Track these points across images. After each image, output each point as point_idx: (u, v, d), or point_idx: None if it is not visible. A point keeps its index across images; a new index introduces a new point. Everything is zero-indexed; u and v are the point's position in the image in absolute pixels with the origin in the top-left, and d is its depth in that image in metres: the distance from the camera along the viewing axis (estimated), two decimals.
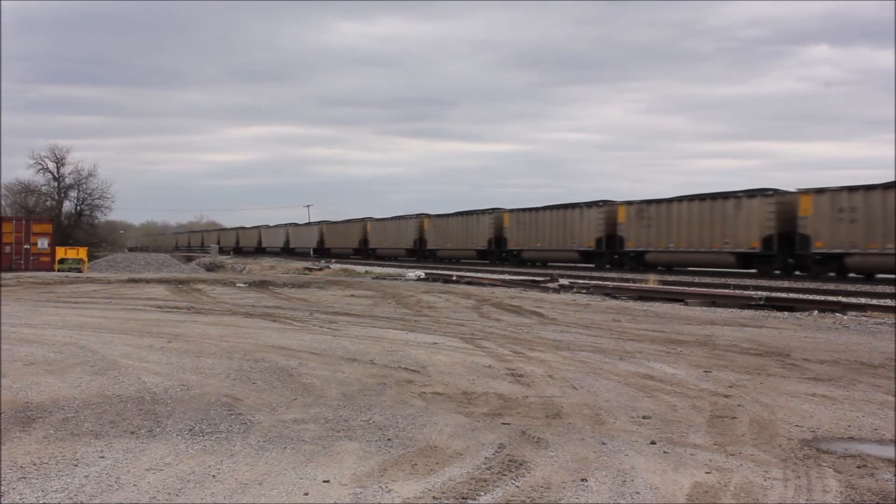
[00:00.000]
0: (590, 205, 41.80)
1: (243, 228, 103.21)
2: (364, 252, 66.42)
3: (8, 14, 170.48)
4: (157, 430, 6.10)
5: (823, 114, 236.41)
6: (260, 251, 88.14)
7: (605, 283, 25.81)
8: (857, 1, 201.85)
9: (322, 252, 71.78)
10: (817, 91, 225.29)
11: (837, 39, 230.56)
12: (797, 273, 31.52)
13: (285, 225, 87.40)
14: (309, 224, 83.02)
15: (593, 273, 35.65)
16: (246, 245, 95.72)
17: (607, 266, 39.58)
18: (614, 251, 40.00)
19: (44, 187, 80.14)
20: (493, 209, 50.94)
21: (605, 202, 41.33)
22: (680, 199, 36.81)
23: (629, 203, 39.32)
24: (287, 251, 79.34)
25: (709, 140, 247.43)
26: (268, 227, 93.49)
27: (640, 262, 37.95)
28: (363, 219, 69.49)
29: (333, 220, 76.56)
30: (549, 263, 44.04)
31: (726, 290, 22.02)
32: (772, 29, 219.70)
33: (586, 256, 41.86)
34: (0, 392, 7.40)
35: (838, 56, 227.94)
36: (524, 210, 47.30)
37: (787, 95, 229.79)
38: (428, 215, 58.47)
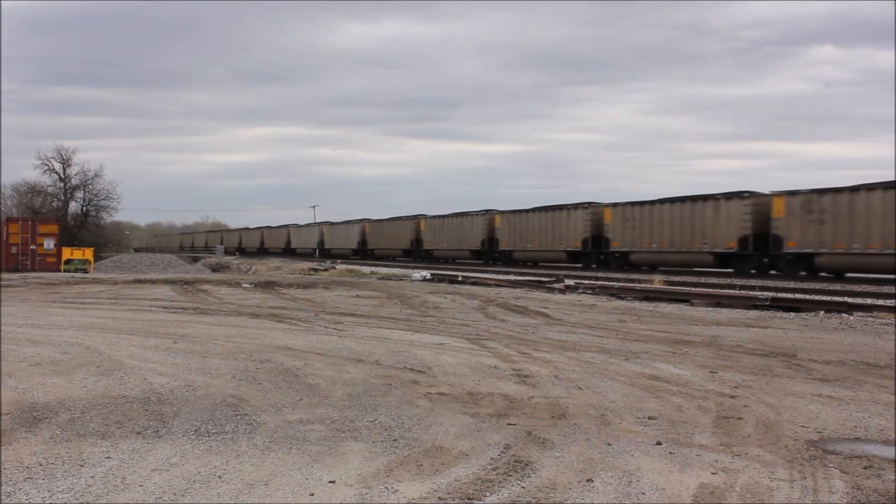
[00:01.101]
0: (729, 196, 34.88)
1: (269, 228, 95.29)
2: (417, 254, 59.31)
3: (15, 15, 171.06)
4: (163, 430, 6.11)
5: (829, 114, 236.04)
6: (289, 252, 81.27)
7: (610, 283, 25.82)
8: (860, 1, 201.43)
9: (364, 253, 66.06)
10: (823, 91, 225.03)
11: (842, 40, 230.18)
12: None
13: (319, 224, 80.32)
14: (347, 223, 74.54)
15: (597, 273, 35.30)
16: (272, 245, 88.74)
17: (752, 271, 33.21)
18: (766, 252, 33.10)
19: (50, 188, 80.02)
20: (590, 203, 43.61)
21: (750, 193, 34.42)
22: (871, 186, 29.09)
23: (791, 193, 32.03)
24: (322, 252, 71.86)
25: (715, 140, 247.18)
26: (298, 226, 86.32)
27: (804, 265, 31.41)
28: (415, 216, 61.83)
29: (378, 217, 67.24)
30: (663, 268, 37.10)
31: (732, 291, 21.99)
32: (776, 29, 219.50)
33: (722, 259, 35.07)
34: (0, 392, 7.42)
35: (843, 56, 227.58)
36: (633, 204, 39.94)
37: (792, 96, 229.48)
38: (500, 211, 51.20)
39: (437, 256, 56.23)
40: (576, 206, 43.82)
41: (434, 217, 58.65)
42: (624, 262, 39.95)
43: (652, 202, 38.99)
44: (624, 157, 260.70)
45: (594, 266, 41.28)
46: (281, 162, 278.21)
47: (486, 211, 52.48)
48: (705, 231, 35.44)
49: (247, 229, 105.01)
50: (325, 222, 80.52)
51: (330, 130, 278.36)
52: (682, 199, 37.28)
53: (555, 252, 44.68)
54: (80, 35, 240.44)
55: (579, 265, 42.71)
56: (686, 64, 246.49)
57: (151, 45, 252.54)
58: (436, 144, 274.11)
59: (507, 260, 48.75)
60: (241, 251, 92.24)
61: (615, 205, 41.12)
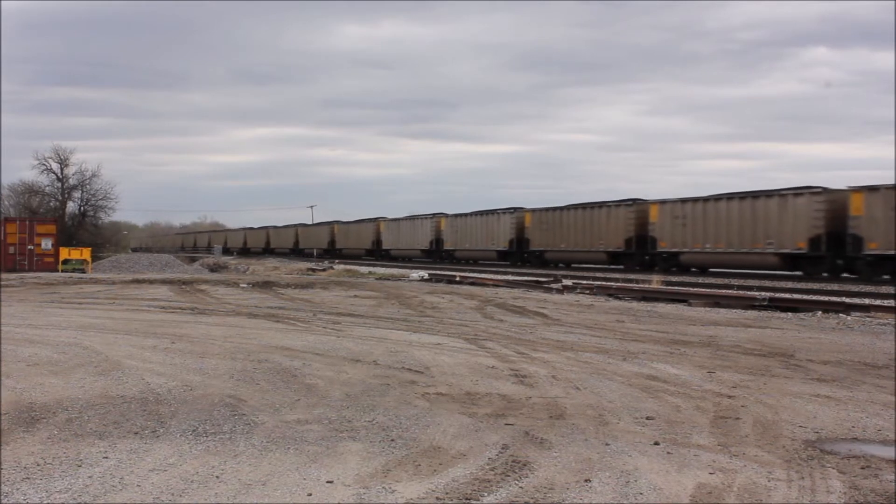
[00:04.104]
0: (618, 203, 40.09)
1: (251, 229, 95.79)
2: (377, 253, 56.45)
3: (14, 16, 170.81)
4: (161, 430, 6.10)
5: (825, 115, 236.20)
6: (268, 251, 79.84)
7: (608, 283, 25.79)
8: (853, 2, 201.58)
9: (333, 252, 63.40)
10: (818, 92, 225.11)
11: (835, 41, 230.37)
12: (846, 276, 29.91)
13: (294, 226, 79.54)
14: (319, 224, 72.39)
15: (598, 273, 35.44)
16: (254, 245, 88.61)
17: (637, 267, 38.03)
18: (646, 251, 38.55)
19: (47, 188, 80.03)
20: (515, 208, 46.35)
21: (633, 201, 39.81)
22: (718, 197, 35.25)
23: (662, 202, 37.93)
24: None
25: (711, 141, 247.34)
26: (276, 227, 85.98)
27: (674, 262, 36.76)
28: (376, 219, 59.33)
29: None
30: (574, 265, 41.94)
31: (730, 291, 22.00)
32: (770, 31, 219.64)
33: (614, 257, 40.19)
34: (0, 393, 7.41)
35: (837, 58, 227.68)
36: (547, 210, 44.13)
37: (788, 97, 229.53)
38: (445, 215, 51.29)
39: (395, 256, 58.77)
40: (504, 211, 48.57)
41: (391, 220, 61.99)
42: (541, 259, 44.76)
43: (561, 208, 43.82)
44: (622, 158, 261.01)
45: (518, 263, 45.76)
46: (279, 162, 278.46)
47: (434, 214, 55.65)
48: (601, 233, 40.83)
49: (232, 230, 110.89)
50: (300, 224, 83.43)
51: (328, 131, 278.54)
52: (584, 206, 42.42)
53: (488, 251, 49.62)
54: (80, 35, 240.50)
55: (507, 263, 46.86)
56: (682, 65, 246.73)
57: (150, 45, 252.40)
58: (434, 145, 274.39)
59: (452, 259, 52.68)
60: (227, 251, 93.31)
61: (533, 210, 46.13)
